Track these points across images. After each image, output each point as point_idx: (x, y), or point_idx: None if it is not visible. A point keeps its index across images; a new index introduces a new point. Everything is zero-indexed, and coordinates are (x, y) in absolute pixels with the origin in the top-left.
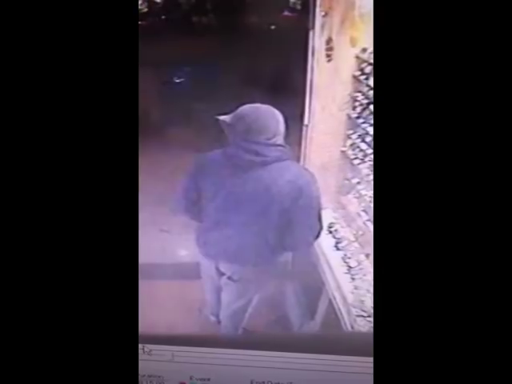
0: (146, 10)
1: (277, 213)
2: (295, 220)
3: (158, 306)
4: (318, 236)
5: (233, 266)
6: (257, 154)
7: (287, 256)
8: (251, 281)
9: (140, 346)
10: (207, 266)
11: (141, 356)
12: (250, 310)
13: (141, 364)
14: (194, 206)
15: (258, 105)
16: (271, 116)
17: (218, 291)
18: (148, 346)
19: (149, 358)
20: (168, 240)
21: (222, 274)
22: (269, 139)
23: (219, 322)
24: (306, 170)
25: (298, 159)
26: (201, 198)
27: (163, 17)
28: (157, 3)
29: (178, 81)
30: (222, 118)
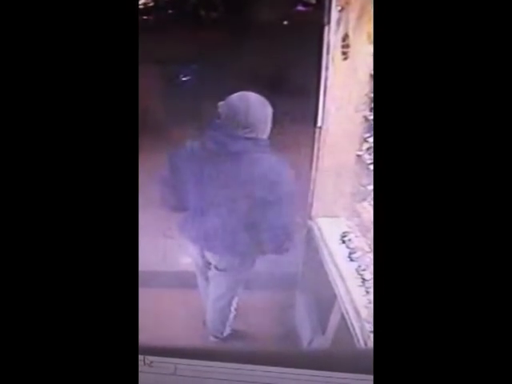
0: (151, 3)
1: (249, 207)
2: (263, 219)
3: (161, 315)
4: (286, 243)
5: (215, 256)
6: (228, 145)
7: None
8: (239, 272)
9: (140, 357)
10: (194, 256)
11: (141, 367)
12: (234, 304)
13: (140, 376)
14: (174, 198)
15: (245, 94)
16: (254, 107)
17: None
18: (149, 358)
19: (149, 370)
20: (171, 247)
21: (209, 264)
22: (244, 130)
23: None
24: (279, 166)
25: (310, 162)
26: (181, 189)
27: (170, 11)
28: None
29: (184, 79)
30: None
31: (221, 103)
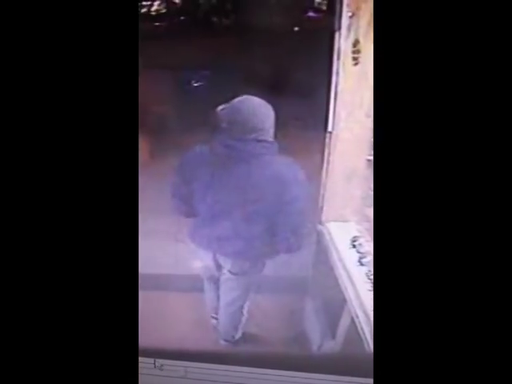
0: (164, 10)
1: (262, 210)
2: (277, 220)
3: (172, 318)
4: (300, 242)
5: (228, 260)
6: (238, 149)
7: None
8: (251, 276)
9: (150, 360)
10: (205, 261)
11: (152, 371)
12: (246, 308)
13: (151, 379)
14: (185, 204)
15: (248, 98)
16: (259, 110)
17: (218, 289)
18: (159, 361)
19: (160, 373)
20: (182, 251)
21: (221, 268)
22: (252, 134)
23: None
24: (290, 167)
25: (320, 167)
26: (192, 195)
27: (182, 18)
28: (175, 3)
29: (196, 85)
30: (218, 108)
31: (221, 108)
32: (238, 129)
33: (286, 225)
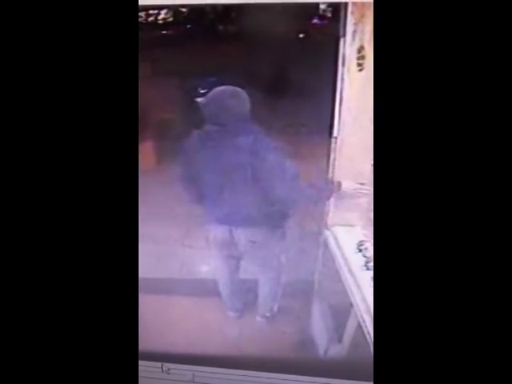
0: (171, 19)
1: (255, 177)
2: (271, 185)
3: (178, 323)
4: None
5: (243, 230)
6: (228, 125)
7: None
8: (276, 245)
9: (158, 364)
10: (224, 237)
11: (159, 375)
12: (282, 279)
13: (159, 383)
14: (188, 190)
15: (227, 87)
16: (237, 97)
17: (236, 270)
18: (166, 365)
19: (167, 377)
20: (189, 256)
21: (239, 245)
22: (234, 116)
23: (239, 315)
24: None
25: (326, 172)
26: (194, 179)
27: (188, 26)
28: (182, 12)
29: (202, 91)
30: (199, 99)
31: (202, 99)
32: (220, 112)
33: (278, 185)
